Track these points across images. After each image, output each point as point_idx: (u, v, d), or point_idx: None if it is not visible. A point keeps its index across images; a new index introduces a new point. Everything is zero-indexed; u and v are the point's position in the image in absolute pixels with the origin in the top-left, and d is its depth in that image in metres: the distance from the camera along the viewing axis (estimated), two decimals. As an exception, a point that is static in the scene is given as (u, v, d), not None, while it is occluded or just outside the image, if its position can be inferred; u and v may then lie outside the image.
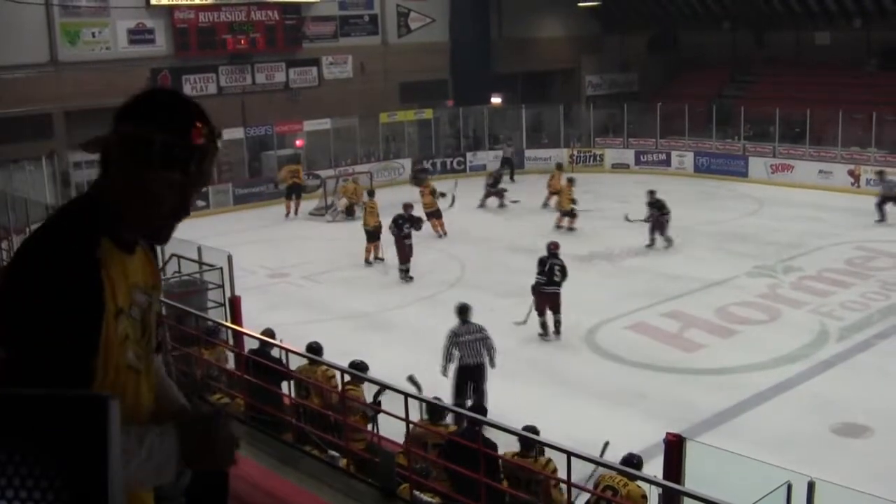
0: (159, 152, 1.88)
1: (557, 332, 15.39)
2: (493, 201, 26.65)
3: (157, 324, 2.18)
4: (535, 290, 15.31)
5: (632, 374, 13.77)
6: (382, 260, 20.48)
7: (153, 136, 1.88)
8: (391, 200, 23.67)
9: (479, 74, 34.35)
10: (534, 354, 14.57)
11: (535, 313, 15.35)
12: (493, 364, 12.04)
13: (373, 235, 20.59)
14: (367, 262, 20.56)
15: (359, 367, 9.53)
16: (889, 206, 23.26)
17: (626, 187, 26.13)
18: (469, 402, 11.25)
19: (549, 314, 15.40)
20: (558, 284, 15.25)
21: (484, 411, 8.73)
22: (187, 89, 28.24)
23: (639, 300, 17.04)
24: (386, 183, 30.14)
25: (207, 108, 1.99)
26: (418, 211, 21.05)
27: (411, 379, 10.21)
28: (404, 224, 19.20)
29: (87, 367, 1.80)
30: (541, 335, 15.39)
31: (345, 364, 9.10)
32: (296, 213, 26.92)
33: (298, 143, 30.95)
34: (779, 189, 28.25)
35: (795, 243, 21.28)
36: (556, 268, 15.29)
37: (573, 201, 23.39)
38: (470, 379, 11.79)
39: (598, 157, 33.36)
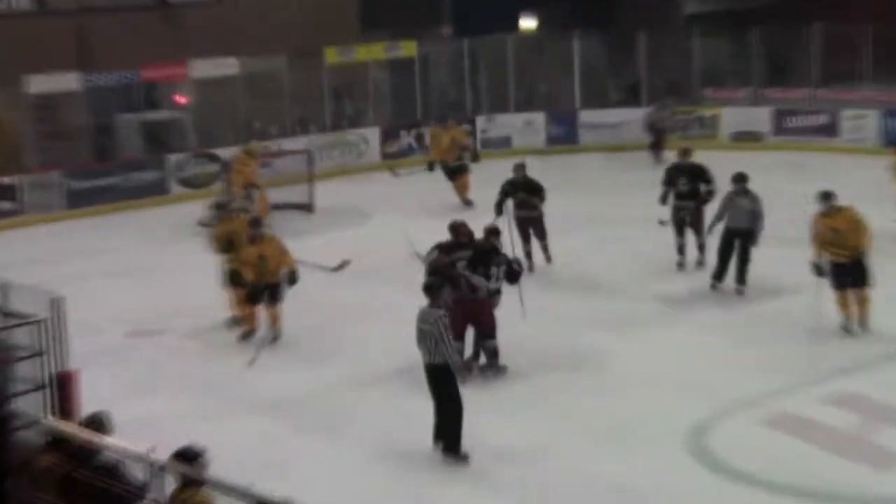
0: None
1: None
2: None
3: None
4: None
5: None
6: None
7: None
8: (343, 206, 21.12)
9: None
10: (605, 468, 11.49)
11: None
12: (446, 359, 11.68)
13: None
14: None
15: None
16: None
17: (759, 174, 18.67)
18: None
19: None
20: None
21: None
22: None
23: (783, 375, 14.08)
24: (337, 170, 24.40)
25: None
26: None
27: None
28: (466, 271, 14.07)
29: None
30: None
31: (252, 480, 6.70)
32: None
33: (181, 98, 25.60)
34: None
35: None
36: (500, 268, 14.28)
37: None
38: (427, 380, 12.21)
39: (708, 122, 27.36)
